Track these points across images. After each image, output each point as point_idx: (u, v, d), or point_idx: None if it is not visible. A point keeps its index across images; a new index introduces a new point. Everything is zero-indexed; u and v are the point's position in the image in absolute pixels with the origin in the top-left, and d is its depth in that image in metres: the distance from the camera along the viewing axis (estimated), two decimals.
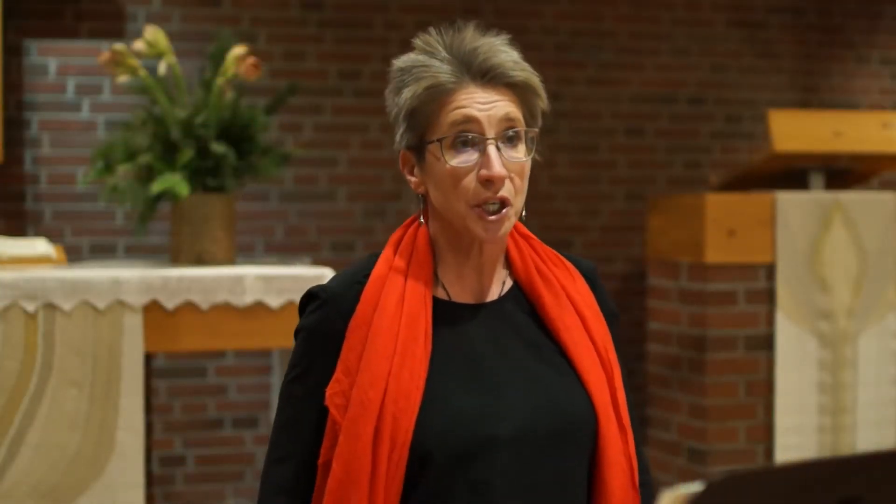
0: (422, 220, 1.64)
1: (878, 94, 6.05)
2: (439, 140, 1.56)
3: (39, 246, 3.30)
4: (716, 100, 5.78)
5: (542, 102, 1.62)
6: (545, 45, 5.48)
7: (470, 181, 1.55)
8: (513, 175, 1.56)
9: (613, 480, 1.58)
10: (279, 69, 5.07)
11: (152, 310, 2.96)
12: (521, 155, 1.58)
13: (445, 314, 1.60)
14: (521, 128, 1.58)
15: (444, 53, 1.60)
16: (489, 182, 1.54)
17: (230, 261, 3.26)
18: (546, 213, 5.51)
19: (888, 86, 6.08)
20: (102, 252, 4.93)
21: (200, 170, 3.21)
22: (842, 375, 4.29)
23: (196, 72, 3.59)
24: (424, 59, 1.60)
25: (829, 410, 4.27)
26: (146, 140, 3.22)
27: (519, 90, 1.59)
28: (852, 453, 2.52)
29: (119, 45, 3.24)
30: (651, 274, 4.60)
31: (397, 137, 1.63)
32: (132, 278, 2.94)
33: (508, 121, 1.57)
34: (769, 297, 4.24)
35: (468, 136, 1.55)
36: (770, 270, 4.25)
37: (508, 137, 1.57)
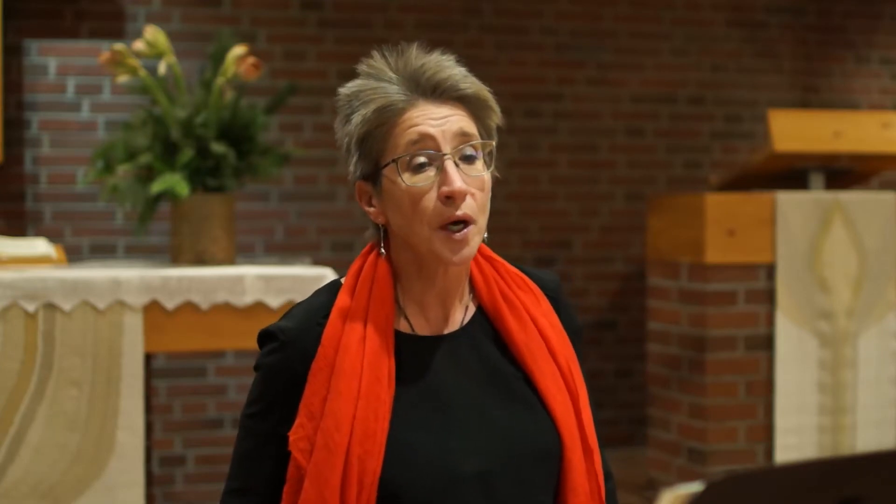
0: (382, 251, 1.59)
1: (878, 94, 6.06)
2: (395, 161, 1.51)
3: (39, 246, 3.30)
4: (716, 100, 5.78)
5: (496, 117, 1.58)
6: (545, 45, 5.48)
7: (430, 201, 1.50)
8: (474, 191, 1.52)
9: (576, 502, 1.58)
10: (279, 69, 5.08)
11: (152, 310, 2.96)
12: (480, 170, 1.53)
13: (409, 349, 1.57)
14: (478, 141, 1.54)
15: (390, 74, 1.54)
16: (450, 199, 1.50)
17: (230, 261, 3.26)
18: (546, 213, 5.51)
19: (888, 86, 6.08)
20: (102, 252, 4.93)
21: (200, 170, 3.21)
22: (842, 375, 4.29)
23: (196, 72, 3.59)
24: (372, 83, 1.55)
25: (829, 410, 4.27)
26: (146, 140, 3.22)
27: (470, 104, 1.55)
28: (852, 453, 2.52)
29: (119, 45, 3.24)
30: (651, 274, 4.60)
31: (351, 168, 1.58)
32: (132, 278, 2.94)
33: (464, 136, 1.52)
34: (769, 297, 4.24)
35: (425, 153, 1.51)
36: (770, 270, 4.25)
37: (466, 155, 1.52)
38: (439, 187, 1.51)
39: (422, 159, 1.51)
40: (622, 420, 5.53)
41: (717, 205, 4.21)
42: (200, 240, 3.21)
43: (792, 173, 4.57)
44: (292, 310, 1.61)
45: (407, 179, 1.51)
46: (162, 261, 3.72)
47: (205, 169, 3.22)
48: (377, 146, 1.54)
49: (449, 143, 1.52)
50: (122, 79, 3.26)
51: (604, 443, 1.68)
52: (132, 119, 3.34)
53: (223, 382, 5.01)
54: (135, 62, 3.24)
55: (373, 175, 1.56)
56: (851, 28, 6.00)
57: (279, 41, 5.13)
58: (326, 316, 1.56)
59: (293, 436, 1.52)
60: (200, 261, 3.21)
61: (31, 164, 4.90)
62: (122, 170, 3.20)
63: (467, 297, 1.63)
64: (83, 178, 4.49)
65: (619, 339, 5.63)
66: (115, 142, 3.29)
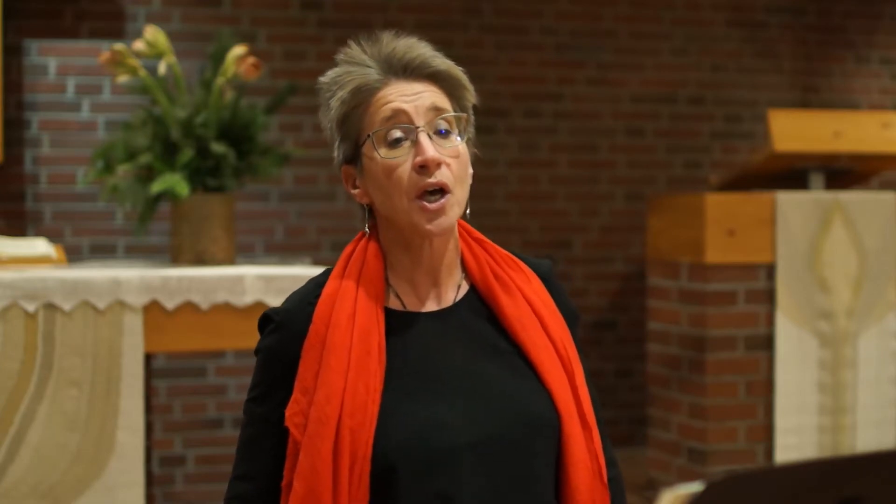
0: (367, 230, 1.64)
1: (878, 94, 6.06)
2: (369, 135, 1.57)
3: (39, 246, 3.30)
4: (716, 100, 5.78)
5: (470, 95, 1.63)
6: (545, 45, 5.48)
7: (405, 172, 1.55)
8: (449, 160, 1.56)
9: (579, 478, 1.58)
10: (279, 69, 5.08)
11: (152, 310, 2.96)
12: (454, 143, 1.58)
13: (399, 325, 1.60)
14: (450, 114, 1.58)
15: (365, 58, 1.61)
16: (424, 168, 1.54)
17: (230, 261, 3.26)
18: (546, 213, 5.52)
19: (888, 86, 6.08)
20: (102, 252, 4.93)
21: (200, 170, 3.21)
22: (842, 375, 4.29)
23: (196, 72, 3.59)
24: (347, 68, 1.61)
25: (829, 410, 4.27)
26: (146, 140, 3.22)
27: (443, 81, 1.60)
28: (852, 453, 2.52)
29: (119, 45, 3.24)
30: (651, 274, 4.60)
31: (335, 154, 1.63)
32: (132, 278, 2.94)
33: (436, 110, 1.58)
34: (769, 297, 4.24)
35: (399, 126, 1.56)
36: (770, 270, 4.25)
37: (440, 129, 1.57)
38: (414, 158, 1.55)
39: (397, 134, 1.57)
40: (622, 420, 5.53)
41: (717, 205, 4.21)
42: (200, 240, 3.21)
43: (792, 173, 4.57)
44: (290, 295, 1.66)
45: (383, 154, 1.56)
46: (162, 261, 3.72)
47: (205, 169, 3.22)
48: (355, 126, 1.60)
49: (422, 117, 1.57)
50: (122, 79, 3.26)
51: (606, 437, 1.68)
52: (132, 119, 3.34)
53: (223, 382, 5.01)
54: (135, 62, 3.24)
55: (354, 156, 1.61)
56: (851, 28, 6.00)
57: (279, 41, 5.13)
58: (318, 296, 1.60)
59: (289, 411, 1.55)
60: (200, 261, 3.21)
61: (31, 164, 4.90)
62: (122, 170, 3.20)
63: (459, 276, 1.66)
64: (83, 178, 4.49)
65: (619, 339, 5.63)
66: (115, 142, 3.29)
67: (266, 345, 1.62)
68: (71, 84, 4.92)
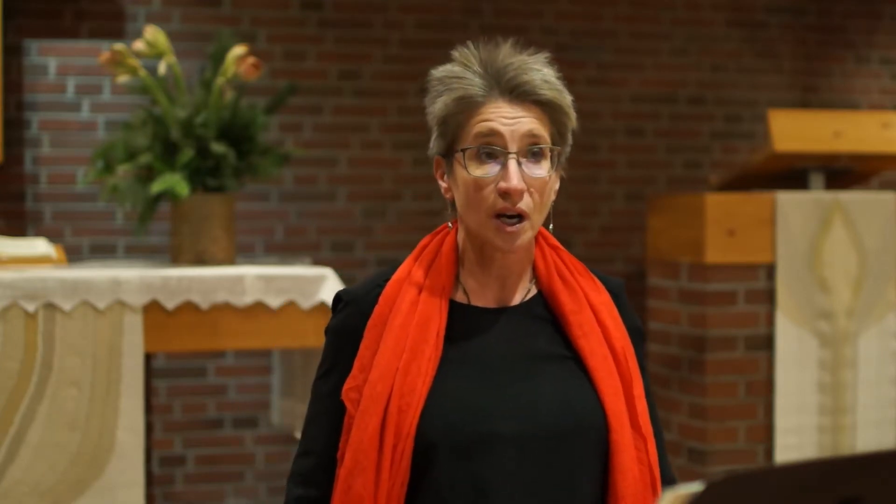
0: (450, 225, 1.70)
1: (878, 94, 6.05)
2: (464, 150, 1.61)
3: (39, 246, 3.30)
4: (716, 100, 5.78)
5: (571, 121, 1.67)
6: (545, 45, 5.43)
7: (490, 192, 1.60)
8: (532, 190, 1.61)
9: (626, 487, 1.60)
10: (279, 69, 5.07)
11: (152, 310, 2.96)
12: (542, 171, 1.63)
13: (463, 317, 1.65)
14: (546, 145, 1.62)
15: (477, 67, 1.64)
16: (507, 194, 1.59)
17: (230, 261, 3.26)
18: None
19: (888, 86, 6.08)
20: (102, 252, 4.93)
21: (200, 170, 3.21)
22: (842, 375, 4.29)
23: (196, 72, 3.59)
24: (459, 71, 1.64)
25: (829, 410, 4.27)
26: (146, 140, 3.22)
27: (547, 108, 1.64)
28: (852, 453, 2.52)
29: (119, 45, 3.24)
30: (651, 274, 4.60)
31: (431, 143, 1.69)
32: (132, 278, 2.94)
33: (532, 137, 1.61)
34: (769, 297, 4.24)
35: (491, 148, 1.60)
36: (770, 270, 4.25)
37: (532, 153, 1.62)
38: (499, 182, 1.60)
39: (488, 153, 1.61)
40: None
41: (717, 205, 4.21)
42: (200, 240, 3.21)
43: (792, 173, 4.57)
44: (363, 280, 1.74)
45: (472, 169, 1.61)
46: (162, 261, 3.72)
47: (205, 169, 3.22)
48: (453, 131, 1.64)
49: (516, 142, 1.61)
50: (122, 79, 3.26)
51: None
52: (132, 119, 3.34)
53: (223, 382, 5.01)
54: (135, 62, 3.24)
55: (446, 155, 1.67)
56: (851, 28, 6.00)
57: (279, 41, 5.13)
58: (387, 280, 1.66)
59: (346, 386, 1.62)
60: (200, 261, 3.21)
61: (31, 164, 4.89)
62: (122, 170, 3.20)
63: (529, 280, 1.71)
64: (83, 178, 4.49)
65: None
66: (115, 142, 3.29)
67: (333, 324, 1.69)
68: (71, 84, 4.92)
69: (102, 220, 4.95)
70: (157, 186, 3.10)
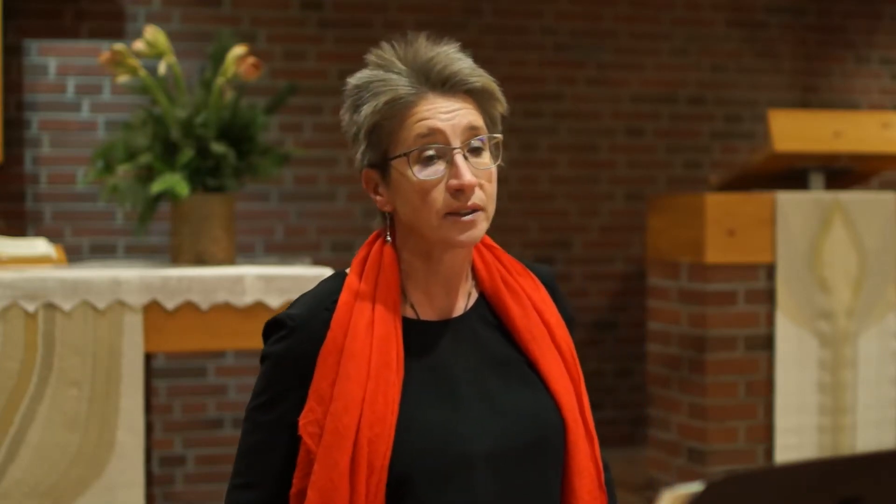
0: (388, 238, 1.62)
1: (878, 94, 6.05)
2: (405, 154, 1.54)
3: (39, 246, 3.30)
4: (716, 100, 5.78)
5: (502, 107, 1.61)
6: (545, 45, 5.48)
7: (439, 192, 1.53)
8: (482, 182, 1.55)
9: (582, 486, 1.59)
10: (279, 69, 5.08)
11: (152, 310, 2.96)
12: (487, 162, 1.56)
13: (415, 334, 1.59)
14: (486, 135, 1.57)
15: (400, 66, 1.57)
16: (459, 192, 1.53)
17: (230, 261, 3.26)
18: (546, 213, 5.51)
19: (888, 86, 6.08)
20: (102, 252, 4.93)
21: (200, 170, 3.21)
22: (842, 375, 4.29)
23: (196, 72, 3.59)
24: (381, 74, 1.57)
25: (829, 410, 4.27)
26: (146, 140, 3.22)
27: (478, 96, 1.58)
28: (852, 453, 2.52)
29: (119, 45, 3.24)
30: (651, 274, 4.60)
31: (358, 156, 1.60)
32: (132, 278, 2.94)
33: (472, 129, 1.55)
34: (769, 297, 4.24)
35: (434, 147, 1.54)
36: (770, 270, 4.25)
37: (473, 147, 1.55)
38: (448, 180, 1.53)
39: (431, 153, 1.54)
40: (622, 420, 5.53)
41: (717, 205, 4.21)
42: (200, 240, 3.21)
43: (792, 173, 4.57)
44: (298, 299, 1.63)
45: (417, 172, 1.54)
46: (162, 261, 3.72)
47: (205, 169, 3.22)
48: (386, 138, 1.57)
49: (458, 137, 1.55)
50: (122, 79, 3.26)
51: (602, 441, 1.69)
52: (132, 119, 3.34)
53: (223, 382, 5.01)
54: (135, 62, 3.24)
55: (381, 165, 1.59)
56: (851, 28, 6.00)
57: (279, 41, 5.13)
58: (335, 301, 1.57)
59: (303, 420, 1.53)
60: (200, 261, 3.20)
61: (31, 164, 4.90)
62: (122, 170, 3.20)
63: (470, 284, 1.66)
64: (83, 178, 4.49)
65: (619, 339, 5.63)
66: (115, 142, 3.29)
67: (277, 350, 1.57)
68: (71, 84, 4.92)
69: (102, 220, 4.95)
70: (157, 186, 3.10)
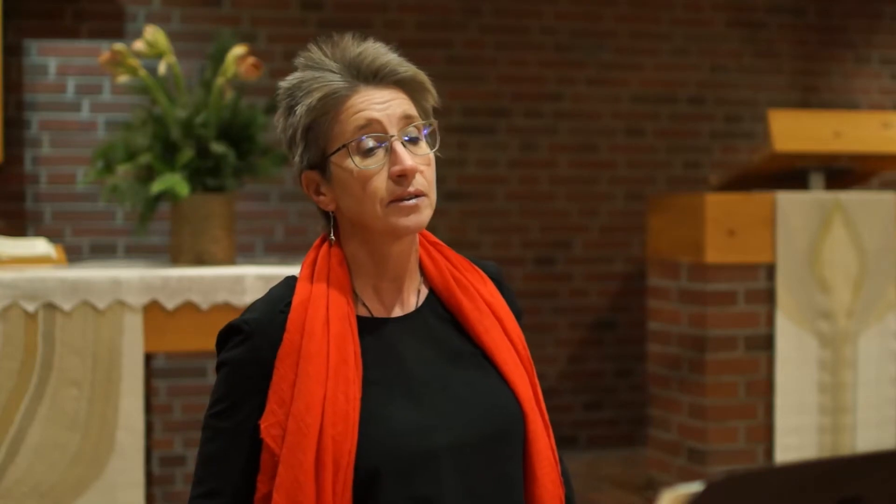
0: (332, 238, 1.64)
1: (878, 94, 6.06)
2: (344, 146, 1.56)
3: (39, 246, 3.30)
4: (716, 100, 5.78)
5: (432, 98, 1.64)
6: (545, 45, 5.48)
7: (381, 181, 1.56)
8: (422, 168, 1.58)
9: (544, 474, 1.61)
10: (279, 69, 5.07)
11: (152, 310, 2.96)
12: (424, 149, 1.59)
13: (370, 332, 1.60)
14: (421, 122, 1.60)
15: (330, 63, 1.60)
16: (402, 178, 1.55)
17: (230, 261, 3.26)
18: (546, 213, 5.51)
19: (888, 86, 6.08)
20: (102, 252, 4.93)
21: (200, 170, 3.21)
22: (842, 375, 4.29)
23: (196, 72, 3.59)
24: (312, 73, 1.61)
25: (829, 410, 4.27)
26: (146, 140, 3.22)
27: (409, 87, 1.61)
28: (852, 453, 2.52)
29: (119, 45, 3.24)
30: (651, 274, 4.60)
31: (296, 159, 1.62)
32: (132, 278, 2.94)
33: (407, 118, 1.58)
34: (769, 297, 4.24)
35: (373, 136, 1.56)
36: (770, 270, 4.25)
37: (411, 137, 1.58)
38: (390, 167, 1.56)
39: (371, 143, 1.56)
40: (622, 420, 5.53)
41: (717, 205, 4.21)
42: (200, 240, 3.21)
43: (792, 173, 4.57)
44: (251, 305, 1.64)
45: (358, 163, 1.56)
46: (162, 261, 3.72)
47: (205, 169, 3.22)
48: (323, 134, 1.59)
49: (395, 125, 1.57)
50: (122, 79, 3.26)
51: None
52: (132, 119, 3.34)
53: None
54: (135, 62, 3.24)
55: (320, 163, 1.60)
56: (851, 28, 6.00)
57: (279, 41, 5.13)
58: (288, 304, 1.59)
59: (264, 423, 1.53)
60: (200, 261, 3.21)
61: (31, 164, 4.90)
62: (122, 170, 3.20)
63: (419, 280, 1.68)
64: (83, 178, 4.48)
65: (619, 339, 5.63)
66: (115, 142, 3.29)
67: (234, 356, 1.57)
68: (71, 84, 4.92)
69: (102, 220, 4.95)
70: (157, 186, 3.10)
